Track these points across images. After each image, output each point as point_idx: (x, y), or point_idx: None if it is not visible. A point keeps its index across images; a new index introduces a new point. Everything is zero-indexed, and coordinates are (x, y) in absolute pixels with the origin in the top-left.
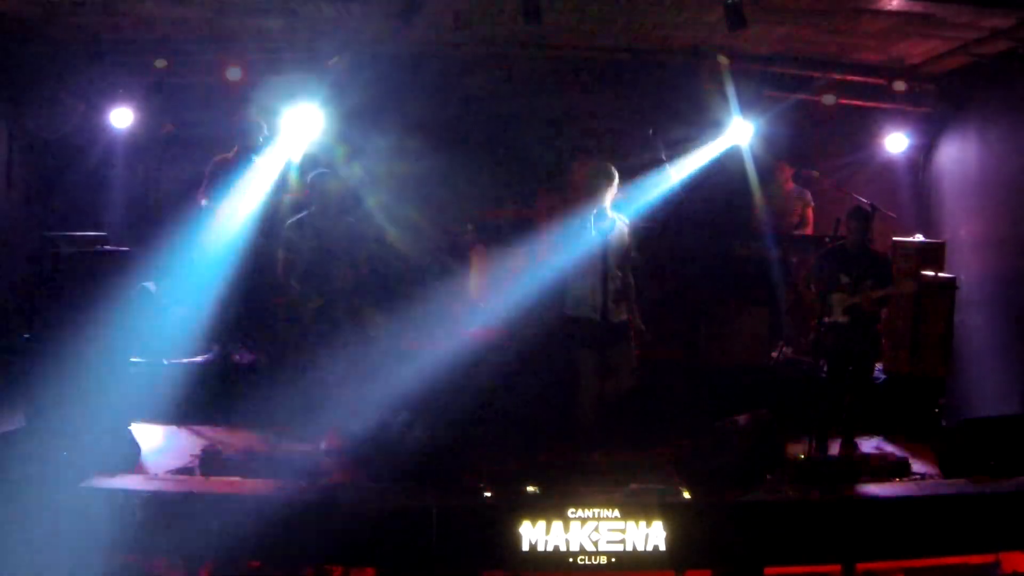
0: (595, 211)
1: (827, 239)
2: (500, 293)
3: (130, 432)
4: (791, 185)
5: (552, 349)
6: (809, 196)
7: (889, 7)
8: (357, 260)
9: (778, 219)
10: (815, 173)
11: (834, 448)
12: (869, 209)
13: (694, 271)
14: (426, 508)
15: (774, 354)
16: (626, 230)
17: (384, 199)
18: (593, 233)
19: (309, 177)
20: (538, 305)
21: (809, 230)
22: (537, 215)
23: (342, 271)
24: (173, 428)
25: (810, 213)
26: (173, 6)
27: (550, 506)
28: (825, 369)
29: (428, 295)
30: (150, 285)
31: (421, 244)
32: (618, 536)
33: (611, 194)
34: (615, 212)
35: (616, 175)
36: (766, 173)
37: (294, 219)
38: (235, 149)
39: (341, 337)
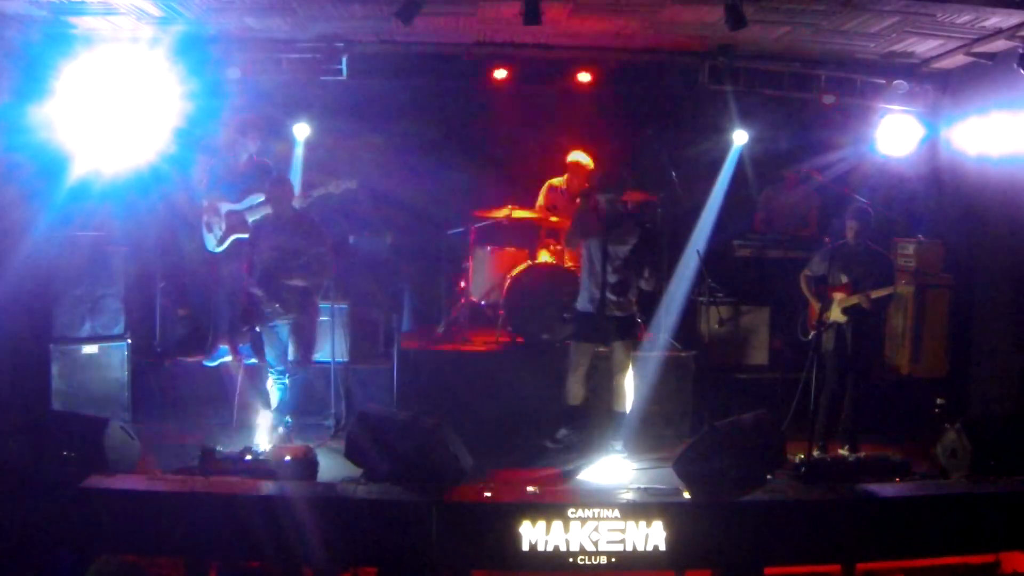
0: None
1: (826, 238)
2: (500, 291)
3: (130, 432)
4: (799, 187)
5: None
6: (815, 197)
7: (889, 6)
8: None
9: (786, 221)
10: (814, 172)
11: (834, 448)
12: (868, 209)
13: (694, 270)
14: (426, 507)
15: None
16: (637, 229)
17: (381, 199)
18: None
19: (267, 183)
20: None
21: (811, 230)
22: (537, 215)
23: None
24: (173, 428)
25: (814, 214)
26: (173, 5)
27: (550, 506)
28: (825, 369)
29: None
30: (150, 285)
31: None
32: (618, 536)
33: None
34: (625, 210)
35: (621, 177)
36: (767, 173)
37: (257, 219)
38: (234, 149)
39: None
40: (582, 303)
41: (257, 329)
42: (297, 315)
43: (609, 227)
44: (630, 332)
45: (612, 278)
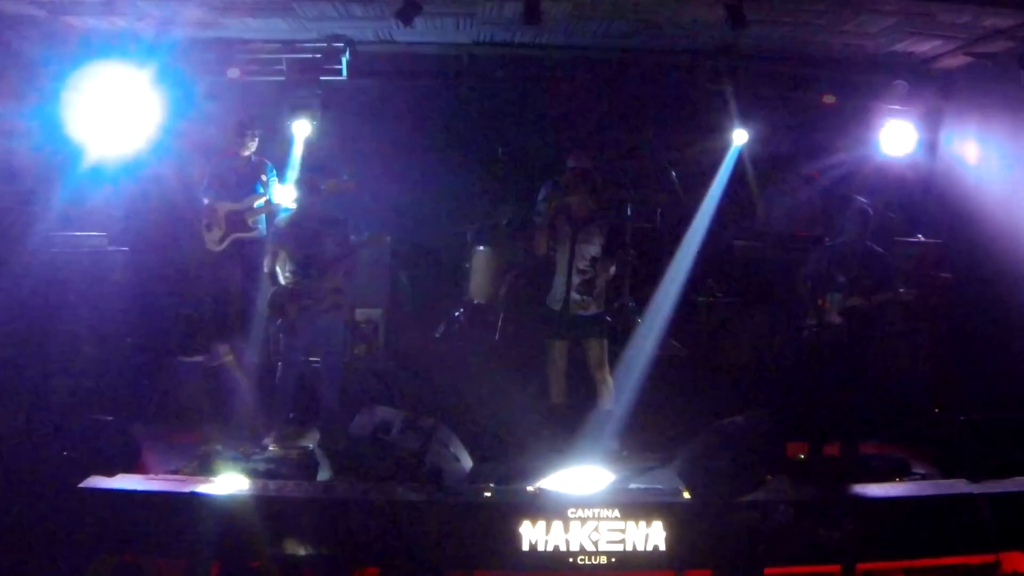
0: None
1: (826, 239)
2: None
3: (130, 432)
4: (801, 188)
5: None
6: (816, 197)
7: (889, 6)
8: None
9: (787, 222)
10: (815, 173)
11: (832, 448)
12: (869, 209)
13: (695, 270)
14: (426, 507)
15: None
16: (606, 228)
17: (383, 200)
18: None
19: (299, 178)
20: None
21: (816, 231)
22: (537, 215)
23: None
24: (173, 428)
25: (816, 214)
26: (173, 5)
27: (550, 506)
28: (823, 369)
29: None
30: (151, 286)
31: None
32: (618, 536)
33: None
34: (595, 209)
35: (593, 173)
36: (767, 173)
37: (288, 212)
38: (233, 149)
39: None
40: (550, 300)
41: (278, 325)
42: (328, 312)
43: (577, 227)
44: (599, 330)
45: (576, 277)
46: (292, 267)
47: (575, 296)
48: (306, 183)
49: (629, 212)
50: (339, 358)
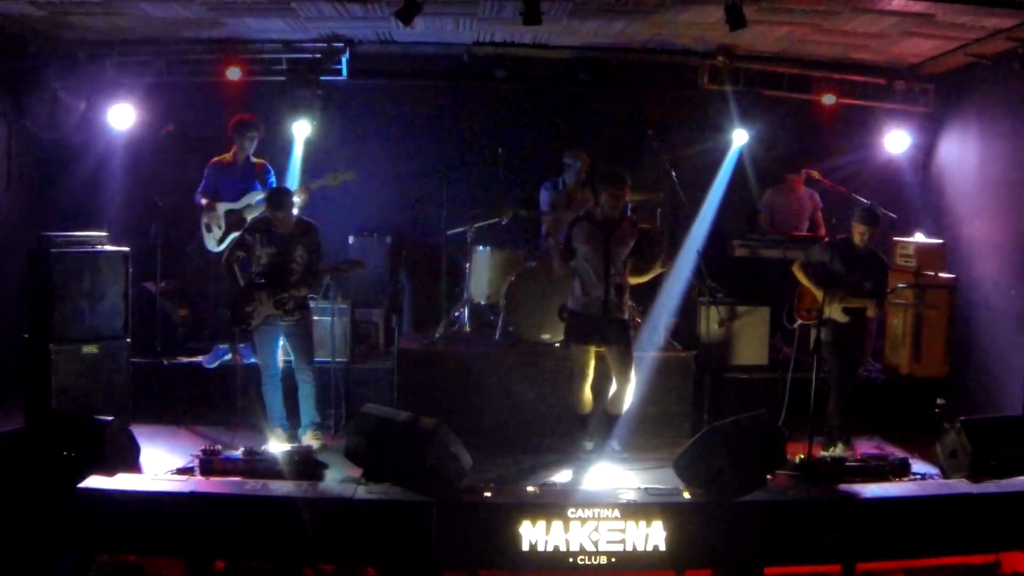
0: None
1: (826, 239)
2: (500, 292)
3: (130, 432)
4: (802, 188)
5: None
6: (818, 198)
7: (889, 7)
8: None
9: (789, 222)
10: (815, 173)
11: (828, 446)
12: (878, 212)
13: (694, 270)
14: (426, 507)
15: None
16: (635, 229)
17: (381, 199)
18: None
19: (268, 192)
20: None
21: (820, 232)
22: (537, 215)
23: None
24: (173, 428)
25: (819, 215)
26: (173, 6)
27: (550, 506)
28: (821, 365)
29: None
30: (150, 285)
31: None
32: (618, 536)
33: (620, 194)
34: (623, 210)
35: (627, 179)
36: (768, 173)
37: (259, 216)
38: (232, 149)
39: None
40: (583, 306)
41: (250, 330)
42: (295, 319)
43: (610, 227)
44: (628, 334)
45: (616, 280)
46: (256, 277)
47: (613, 299)
48: (275, 194)
49: (629, 212)
50: (311, 364)
